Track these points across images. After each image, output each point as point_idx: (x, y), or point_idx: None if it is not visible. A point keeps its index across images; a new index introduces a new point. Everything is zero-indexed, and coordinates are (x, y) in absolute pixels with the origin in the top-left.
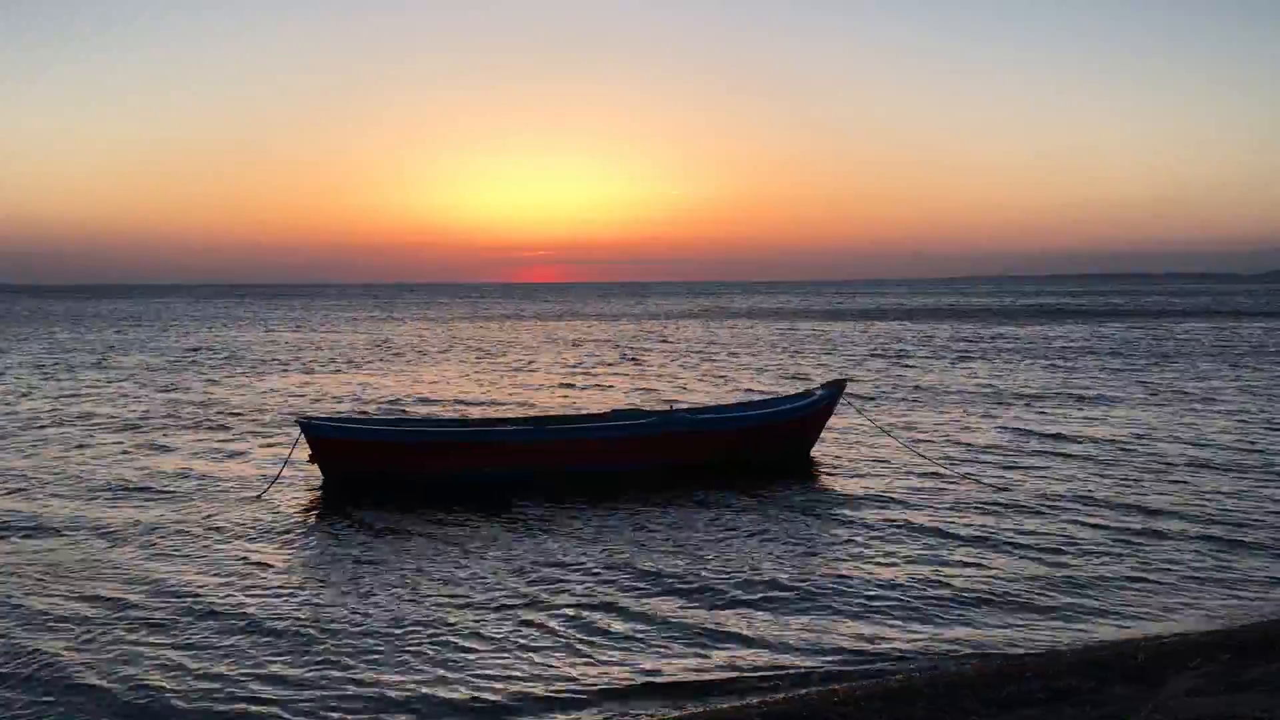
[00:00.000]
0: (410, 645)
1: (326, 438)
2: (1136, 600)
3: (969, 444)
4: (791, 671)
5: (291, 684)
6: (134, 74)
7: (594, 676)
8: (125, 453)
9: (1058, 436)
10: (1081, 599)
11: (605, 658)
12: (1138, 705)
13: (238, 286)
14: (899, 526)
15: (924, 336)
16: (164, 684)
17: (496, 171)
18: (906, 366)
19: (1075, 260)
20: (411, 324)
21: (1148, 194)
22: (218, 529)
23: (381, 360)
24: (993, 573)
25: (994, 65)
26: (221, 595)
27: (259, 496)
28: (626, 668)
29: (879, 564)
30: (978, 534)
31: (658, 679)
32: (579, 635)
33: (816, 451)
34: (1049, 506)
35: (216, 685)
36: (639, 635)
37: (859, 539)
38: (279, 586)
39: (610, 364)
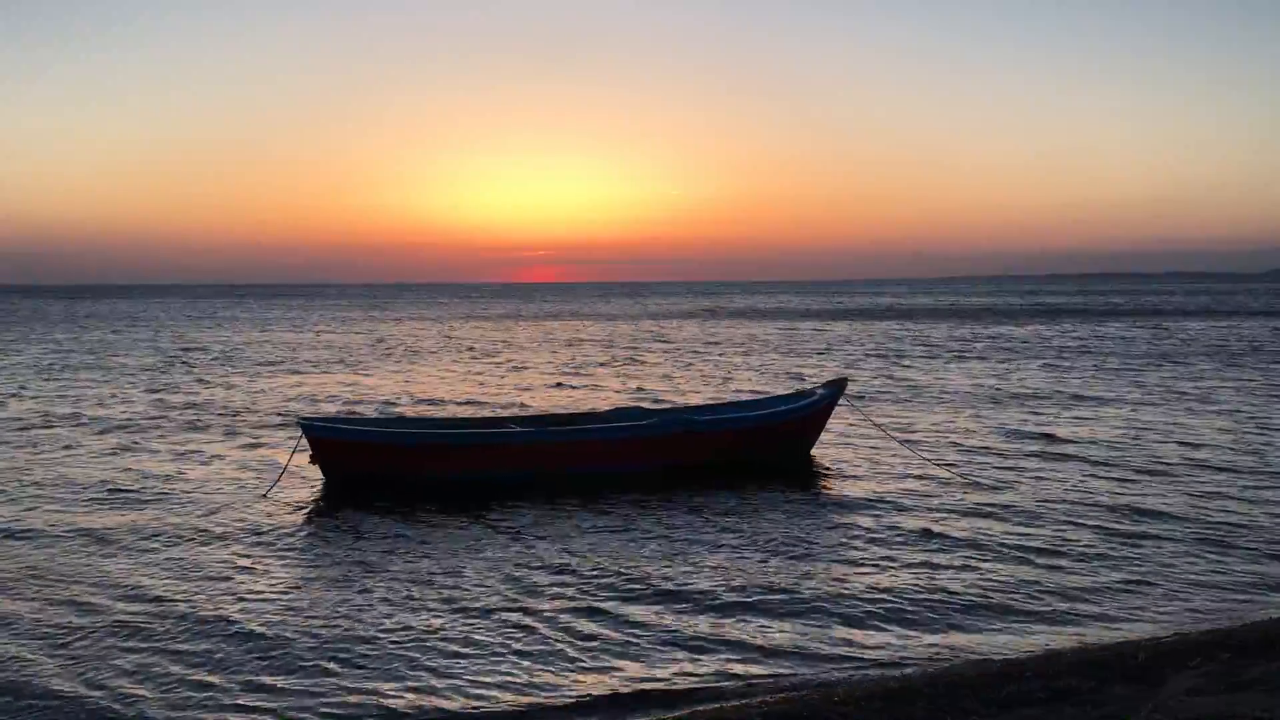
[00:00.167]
0: (402, 652)
1: (327, 439)
2: (1135, 600)
3: (967, 444)
4: (788, 677)
5: (278, 692)
6: (134, 74)
7: (588, 683)
8: (123, 454)
9: (1056, 437)
10: (1081, 600)
11: (600, 664)
12: (1138, 705)
13: (237, 286)
14: (898, 529)
15: (923, 336)
16: (149, 692)
17: (496, 172)
18: (905, 366)
19: (1075, 260)
20: (409, 324)
21: (1148, 193)
22: (216, 531)
23: (378, 360)
24: (992, 575)
25: (994, 65)
26: (216, 601)
27: (264, 495)
28: (621, 674)
29: (878, 568)
30: (976, 536)
31: (651, 685)
32: (573, 641)
33: (816, 451)
34: (1047, 508)
35: (204, 693)
36: (634, 640)
37: (858, 542)
38: (274, 591)
39: (607, 364)
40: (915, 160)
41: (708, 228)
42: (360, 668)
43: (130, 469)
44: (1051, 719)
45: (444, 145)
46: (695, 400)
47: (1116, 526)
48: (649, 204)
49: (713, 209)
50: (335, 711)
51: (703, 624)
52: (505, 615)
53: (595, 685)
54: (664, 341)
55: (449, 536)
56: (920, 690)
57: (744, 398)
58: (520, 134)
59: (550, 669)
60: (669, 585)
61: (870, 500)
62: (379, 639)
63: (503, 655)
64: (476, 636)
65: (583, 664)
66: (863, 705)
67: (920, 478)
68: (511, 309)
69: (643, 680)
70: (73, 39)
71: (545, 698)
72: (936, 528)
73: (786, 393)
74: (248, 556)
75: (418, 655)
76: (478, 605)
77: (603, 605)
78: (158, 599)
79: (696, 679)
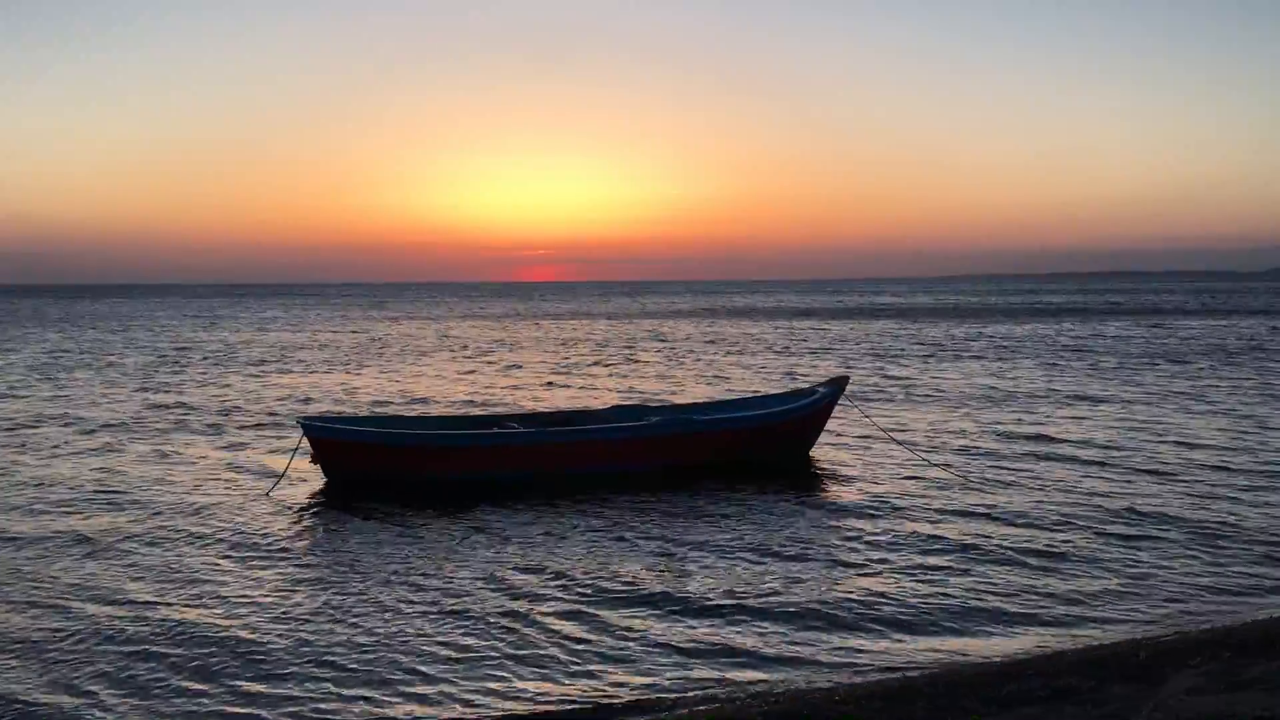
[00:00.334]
0: (393, 658)
1: (328, 439)
2: (1135, 600)
3: (966, 444)
4: (786, 682)
5: (263, 699)
6: (134, 74)
7: (583, 690)
8: (118, 454)
9: (1054, 437)
10: (1080, 599)
11: (594, 670)
12: (1138, 704)
13: (236, 286)
14: (897, 531)
15: (922, 335)
16: (132, 700)
17: (496, 171)
18: (903, 365)
19: (1075, 258)
20: (407, 323)
21: (1148, 192)
22: (213, 533)
23: (374, 360)
24: (991, 576)
25: (993, 65)
26: (206, 606)
27: (267, 494)
28: (615, 680)
29: (877, 571)
30: (975, 537)
31: (645, 694)
32: (568, 647)
33: (815, 451)
34: (1045, 508)
35: (189, 700)
36: (629, 646)
37: (857, 545)
38: (265, 595)
39: (604, 362)
40: (915, 160)
41: (708, 227)
42: (350, 673)
43: (126, 470)
44: (1052, 718)
45: (444, 145)
46: (693, 399)
47: (1115, 526)
48: (649, 203)
49: (713, 208)
50: (321, 719)
51: (699, 628)
52: (499, 620)
53: (590, 692)
54: (661, 341)
55: (445, 539)
56: (921, 690)
57: (742, 397)
58: (520, 134)
59: (544, 675)
60: (665, 589)
61: (869, 500)
62: (370, 644)
63: (496, 661)
64: (469, 642)
65: (577, 670)
66: (863, 705)
67: (919, 478)
68: (510, 308)
69: (637, 687)
70: (73, 39)
71: (539, 705)
72: (935, 529)
73: (787, 391)
74: (242, 560)
75: (408, 661)
76: (471, 610)
77: (599, 610)
78: (146, 602)
79: (694, 684)
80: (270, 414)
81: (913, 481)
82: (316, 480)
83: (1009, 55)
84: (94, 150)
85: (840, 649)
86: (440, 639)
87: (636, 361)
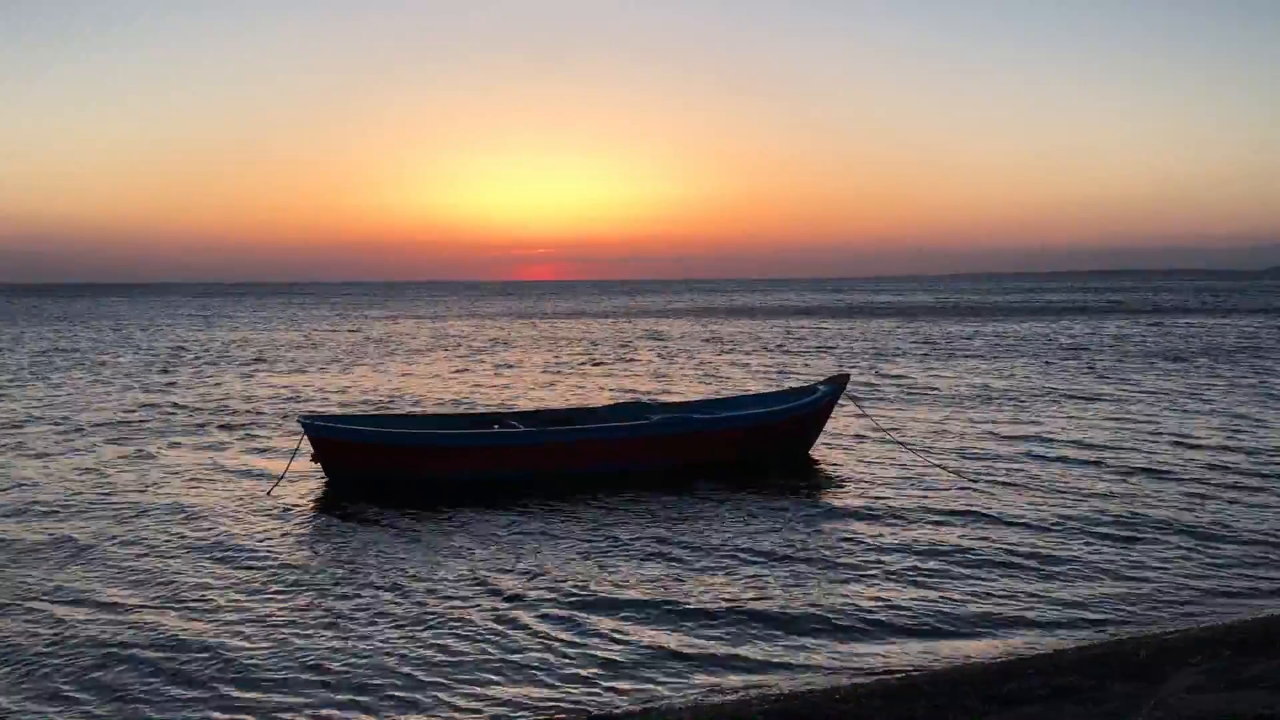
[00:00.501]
0: (384, 664)
1: (329, 438)
2: (1135, 598)
3: (965, 443)
4: (784, 683)
5: (248, 708)
6: (134, 74)
7: (579, 695)
8: (114, 454)
9: (1053, 436)
10: (1080, 598)
11: (590, 676)
12: (1139, 702)
13: (237, 286)
14: (897, 531)
15: (921, 334)
16: (113, 707)
17: (496, 171)
18: (902, 364)
19: (1075, 257)
20: (406, 322)
21: (1148, 191)
22: (210, 535)
23: (371, 358)
24: (991, 575)
25: (994, 65)
26: (201, 608)
27: (267, 494)
28: (614, 683)
29: (877, 572)
30: (975, 536)
31: (644, 696)
32: (564, 652)
33: (815, 449)
34: (1044, 507)
35: (180, 706)
36: (627, 649)
37: (856, 546)
38: (258, 598)
39: (600, 362)
40: (915, 159)
41: (707, 226)
42: (342, 679)
43: (121, 470)
44: (1052, 716)
45: (444, 145)
46: (690, 398)
47: (1113, 526)
48: (649, 203)
49: (712, 208)
50: None
51: (698, 631)
52: (495, 626)
53: (587, 697)
54: (658, 340)
55: (442, 541)
56: (921, 688)
57: (743, 395)
58: (520, 133)
59: (540, 681)
60: (663, 592)
61: (869, 500)
62: (363, 650)
63: (492, 668)
64: (464, 648)
65: (573, 675)
66: (864, 703)
67: (919, 477)
68: (508, 307)
69: (636, 691)
70: (73, 39)
71: (537, 712)
72: (935, 529)
73: (787, 390)
74: (236, 564)
75: (401, 667)
76: (466, 615)
77: (596, 614)
78: (134, 606)
79: (692, 688)
80: (267, 414)
81: (912, 481)
82: (317, 480)
83: (1009, 55)
84: (94, 150)
85: (840, 651)
86: (435, 645)
87: (632, 360)
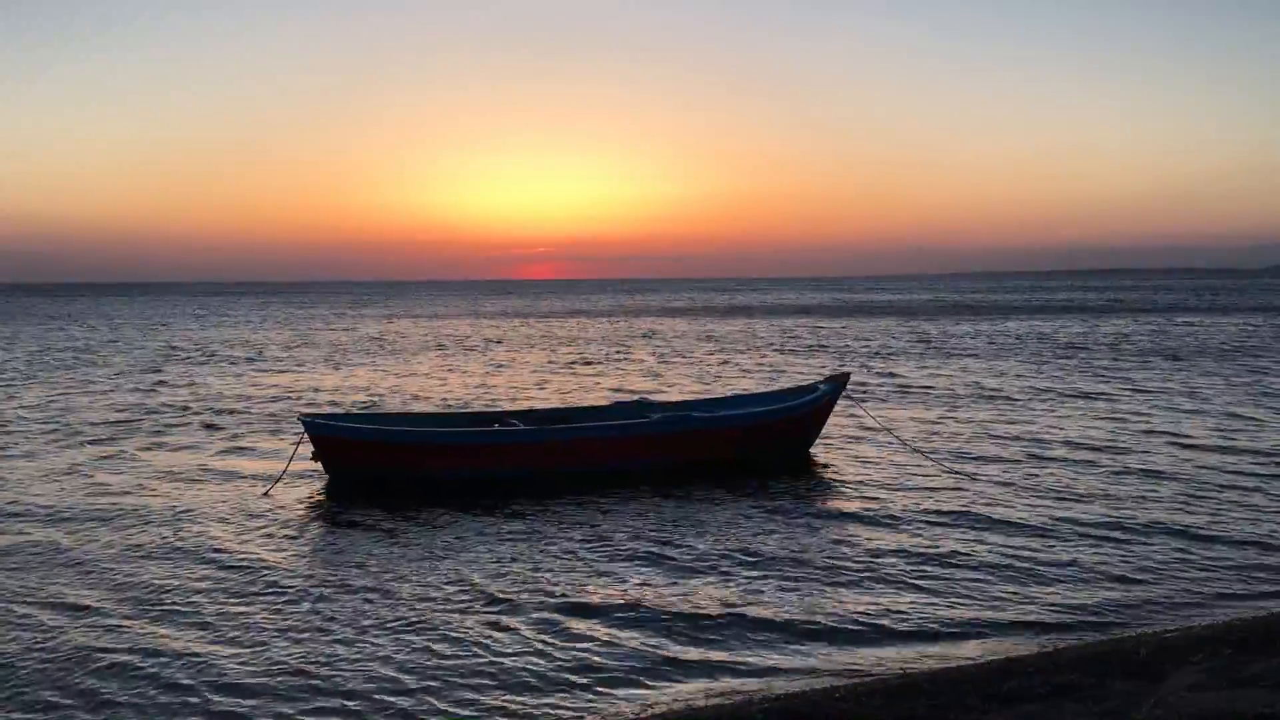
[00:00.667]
0: (376, 668)
1: (330, 436)
2: (1135, 597)
3: (965, 442)
4: (783, 683)
5: (235, 715)
6: (134, 74)
7: (576, 700)
8: (111, 454)
9: (1052, 436)
10: (1081, 597)
11: (589, 678)
12: (1139, 700)
13: (236, 285)
14: (896, 530)
15: (920, 332)
16: (96, 710)
17: (497, 170)
18: (901, 363)
19: (1075, 256)
20: (404, 321)
21: (1148, 190)
22: (206, 536)
23: (368, 357)
24: (991, 575)
25: (994, 64)
26: (193, 612)
27: (266, 493)
28: (613, 687)
29: (877, 573)
30: (975, 536)
31: (642, 699)
32: (560, 657)
33: (815, 448)
34: (1043, 505)
35: (167, 705)
36: (625, 652)
37: (856, 546)
38: (255, 601)
39: (597, 360)
40: (915, 158)
41: (707, 225)
42: (328, 683)
43: (116, 471)
44: (1053, 714)
45: (444, 144)
46: (687, 397)
47: (1112, 524)
48: (649, 202)
49: (713, 207)
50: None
51: (696, 633)
52: (490, 631)
53: (584, 701)
54: (656, 339)
55: (439, 543)
56: (921, 686)
57: (743, 394)
58: (520, 132)
59: (536, 686)
60: (662, 593)
61: (869, 500)
62: (351, 654)
63: (488, 673)
64: (459, 654)
65: (569, 680)
66: (864, 701)
67: (918, 477)
68: (508, 306)
69: (634, 694)
70: (73, 39)
71: (535, 711)
72: (934, 529)
73: (787, 389)
74: (230, 568)
75: (389, 676)
76: (462, 620)
77: (594, 617)
78: (124, 614)
79: (691, 693)
80: (262, 414)
81: (911, 480)
82: (313, 480)
83: (1009, 54)
84: (94, 150)
85: (839, 655)
86: (427, 650)
87: (628, 360)
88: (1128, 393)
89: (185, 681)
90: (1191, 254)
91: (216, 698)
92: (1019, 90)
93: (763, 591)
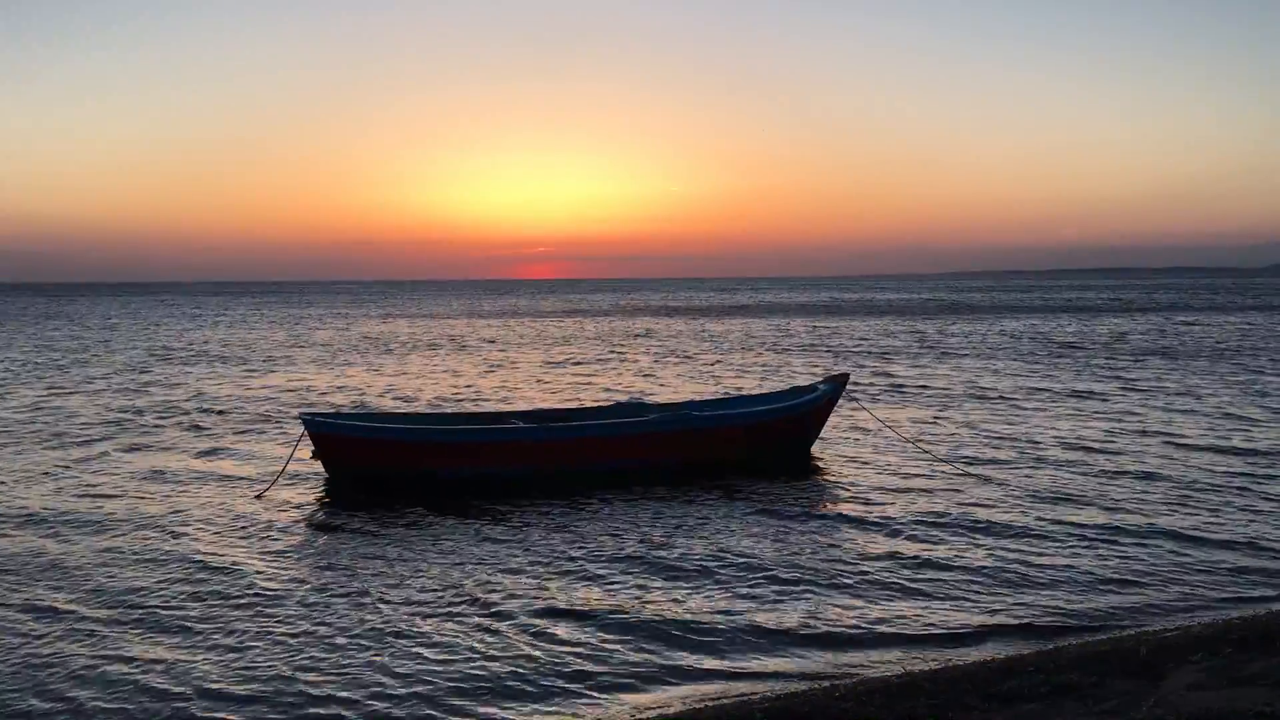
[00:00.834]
0: (370, 670)
1: (331, 434)
2: (1134, 596)
3: (966, 442)
4: (783, 683)
5: (235, 700)
6: (134, 74)
7: (574, 703)
8: (109, 453)
9: (1051, 435)
10: (1080, 597)
11: (587, 680)
12: (1139, 699)
13: (236, 284)
14: (895, 531)
15: (919, 332)
16: (96, 700)
17: (497, 170)
18: (901, 362)
19: (1076, 255)
20: (402, 321)
21: (1150, 189)
22: (194, 539)
23: (368, 356)
24: (991, 575)
25: (994, 62)
26: (180, 615)
27: (263, 493)
28: (611, 689)
29: (876, 578)
30: (975, 536)
31: (642, 702)
32: (556, 661)
33: (816, 448)
34: (1043, 505)
35: (159, 702)
36: (623, 654)
37: (855, 550)
38: (244, 600)
39: (595, 360)
40: (915, 157)
41: (707, 224)
42: (315, 684)
43: (105, 473)
44: (1053, 714)
45: (444, 143)
46: (691, 398)
47: (1112, 524)
48: (650, 201)
49: (712, 206)
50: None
51: (695, 635)
52: (486, 634)
53: (582, 705)
54: (655, 338)
55: (429, 546)
56: (922, 686)
57: (744, 394)
58: (520, 131)
59: (532, 688)
60: (661, 594)
61: (869, 500)
62: (340, 662)
63: (484, 675)
64: (456, 658)
65: (565, 682)
66: (864, 701)
67: (918, 477)
68: (506, 305)
69: (632, 697)
70: (72, 39)
71: (533, 711)
72: (934, 529)
73: (788, 389)
74: (226, 570)
75: (377, 682)
76: (459, 623)
77: (592, 619)
78: (108, 619)
79: (687, 694)
80: (256, 413)
81: (910, 481)
82: (313, 480)
83: (1009, 53)
84: (94, 149)
85: (838, 658)
86: (419, 657)
87: (625, 360)
88: (1125, 392)
89: (164, 687)
90: (1191, 253)
91: (197, 705)
92: (1019, 90)
93: (761, 596)
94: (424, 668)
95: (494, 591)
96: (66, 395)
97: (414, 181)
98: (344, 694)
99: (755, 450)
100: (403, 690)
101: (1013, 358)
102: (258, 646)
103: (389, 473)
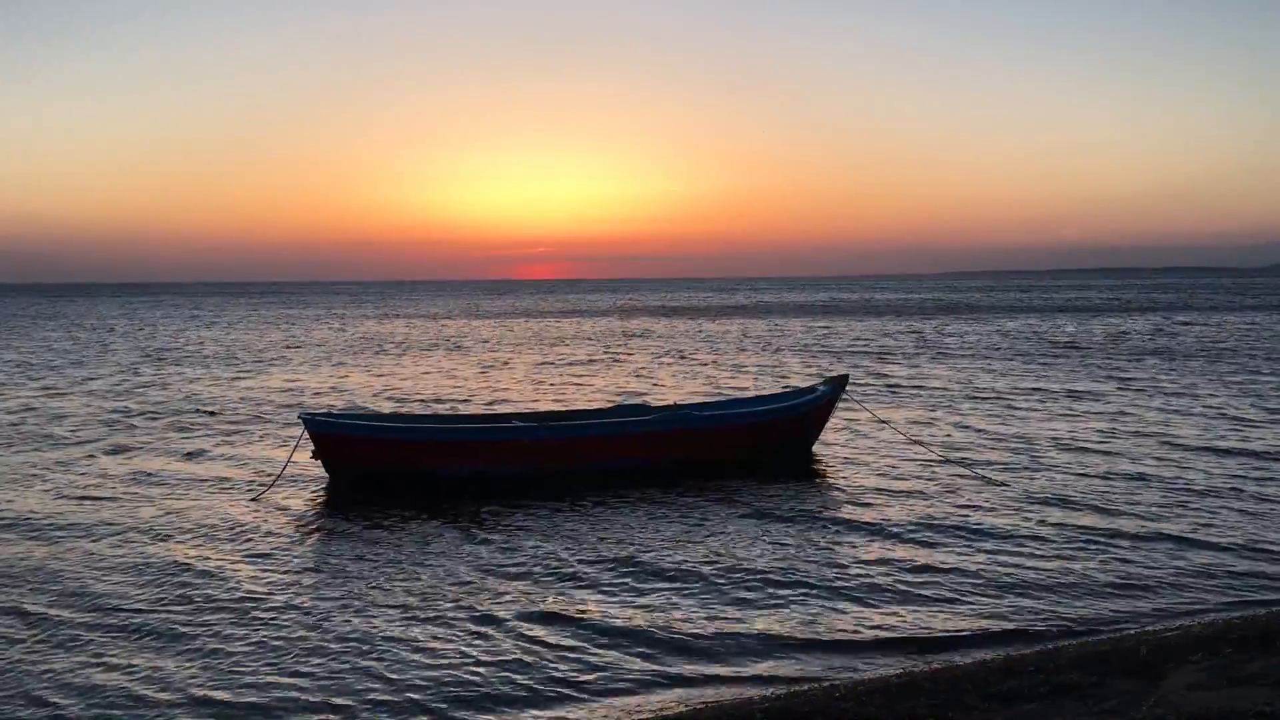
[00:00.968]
0: (356, 686)
1: (331, 434)
2: (1134, 596)
3: (966, 442)
4: (783, 683)
5: (222, 705)
6: (134, 73)
7: (572, 705)
8: (108, 452)
9: (1050, 435)
10: (1081, 596)
11: (585, 682)
12: (1139, 699)
13: (235, 285)
14: (896, 531)
15: (919, 332)
16: (82, 701)
17: (497, 170)
18: (901, 363)
19: (1076, 255)
20: (400, 321)
21: (1150, 189)
22: (192, 539)
23: (366, 356)
24: (990, 576)
25: (994, 62)
26: (173, 613)
27: (261, 494)
28: (610, 690)
29: (875, 580)
30: (976, 537)
31: (641, 704)
32: (554, 661)
33: (816, 448)
34: (1043, 505)
35: (133, 711)
36: (622, 654)
37: (854, 552)
38: (242, 598)
39: (593, 360)
40: (916, 157)
41: (708, 224)
42: (318, 680)
43: (99, 474)
44: (1053, 714)
45: (444, 143)
46: (691, 398)
47: (1112, 524)
48: (650, 201)
49: (713, 205)
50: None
51: (695, 637)
52: (483, 636)
53: (580, 706)
54: (654, 338)
55: (425, 549)
56: (922, 685)
57: (744, 394)
58: (521, 131)
59: (530, 691)
60: (661, 595)
61: (868, 500)
62: (335, 668)
63: (482, 677)
64: (454, 660)
65: (563, 683)
66: (864, 700)
67: (918, 477)
68: (506, 306)
69: (625, 703)
70: (73, 39)
71: (532, 707)
72: (934, 530)
73: (788, 389)
74: (221, 573)
75: (368, 684)
76: (457, 625)
77: (590, 621)
78: (111, 603)
79: (686, 696)
80: (252, 414)
81: (910, 483)
82: (312, 481)
83: (1010, 52)
84: (93, 149)
85: (837, 661)
86: (414, 662)
87: (622, 360)
88: (1129, 392)
89: (151, 694)
90: (1191, 253)
91: (184, 712)
92: (1019, 90)
93: (759, 600)
94: (416, 673)
95: (488, 596)
96: (61, 396)
97: (414, 181)
98: (335, 700)
99: (755, 450)
100: (395, 696)
101: (1010, 358)
102: (247, 652)
103: (389, 472)
